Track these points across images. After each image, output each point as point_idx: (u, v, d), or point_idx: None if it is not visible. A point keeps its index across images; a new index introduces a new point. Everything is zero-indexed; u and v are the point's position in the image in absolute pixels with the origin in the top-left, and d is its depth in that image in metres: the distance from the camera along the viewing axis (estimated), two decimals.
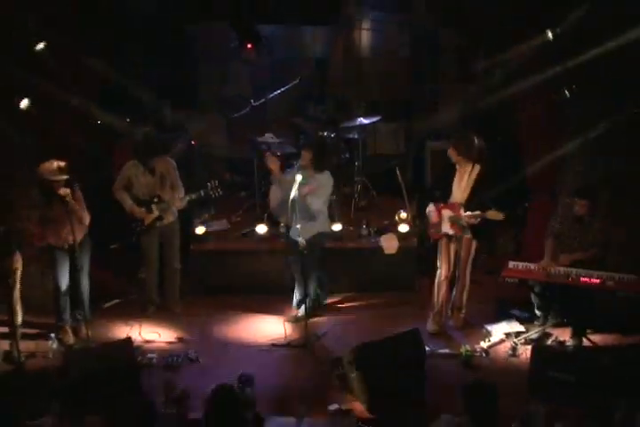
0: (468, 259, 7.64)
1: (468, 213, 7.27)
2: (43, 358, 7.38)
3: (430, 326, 7.82)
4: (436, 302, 7.82)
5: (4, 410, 5.51)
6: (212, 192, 7.66)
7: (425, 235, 7.91)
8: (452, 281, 7.81)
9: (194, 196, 7.78)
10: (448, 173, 7.49)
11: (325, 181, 7.76)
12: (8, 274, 7.11)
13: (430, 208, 7.61)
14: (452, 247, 7.64)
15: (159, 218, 7.74)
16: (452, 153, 7.36)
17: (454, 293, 7.84)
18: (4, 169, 7.43)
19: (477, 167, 7.35)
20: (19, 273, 7.25)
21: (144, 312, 8.20)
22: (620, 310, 7.45)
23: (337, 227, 8.83)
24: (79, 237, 7.36)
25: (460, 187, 7.40)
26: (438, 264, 7.77)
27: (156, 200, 7.61)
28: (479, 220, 7.24)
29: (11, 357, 7.23)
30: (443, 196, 7.49)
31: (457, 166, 7.39)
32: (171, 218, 7.90)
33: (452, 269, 7.72)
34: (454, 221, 7.41)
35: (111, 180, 8.14)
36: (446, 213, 7.45)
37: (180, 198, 7.74)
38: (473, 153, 7.28)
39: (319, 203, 7.74)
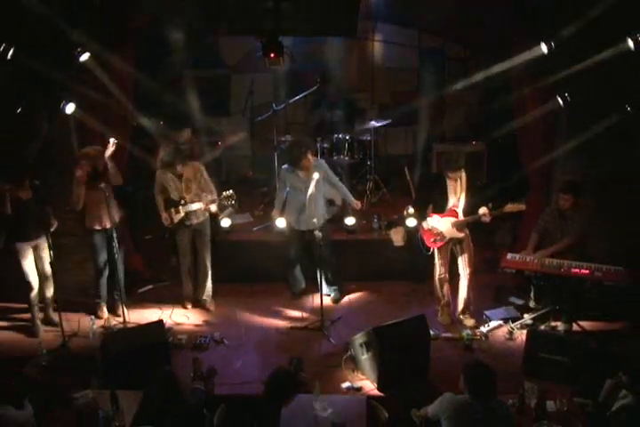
0: (471, 252, 7.58)
1: (484, 210, 7.17)
2: (84, 338, 7.50)
3: (442, 318, 7.83)
4: (442, 296, 7.81)
5: (50, 383, 5.60)
6: (226, 201, 7.68)
7: (423, 245, 7.70)
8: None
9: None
10: (438, 185, 7.41)
11: (325, 165, 7.96)
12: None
13: (428, 222, 7.51)
14: (450, 248, 7.64)
15: (186, 218, 7.72)
16: (445, 171, 7.33)
17: (463, 294, 7.70)
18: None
19: (464, 174, 7.34)
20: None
21: (183, 308, 8.19)
22: (606, 299, 7.49)
23: (351, 221, 8.85)
24: (116, 220, 7.61)
25: (456, 194, 7.38)
26: (438, 264, 7.72)
27: (182, 202, 7.60)
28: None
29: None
30: (440, 206, 7.45)
31: (447, 178, 7.34)
32: (200, 218, 7.84)
33: (449, 265, 7.72)
34: (458, 225, 7.41)
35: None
36: (448, 220, 7.42)
37: (210, 200, 7.67)
38: (459, 166, 7.24)
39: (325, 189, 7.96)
